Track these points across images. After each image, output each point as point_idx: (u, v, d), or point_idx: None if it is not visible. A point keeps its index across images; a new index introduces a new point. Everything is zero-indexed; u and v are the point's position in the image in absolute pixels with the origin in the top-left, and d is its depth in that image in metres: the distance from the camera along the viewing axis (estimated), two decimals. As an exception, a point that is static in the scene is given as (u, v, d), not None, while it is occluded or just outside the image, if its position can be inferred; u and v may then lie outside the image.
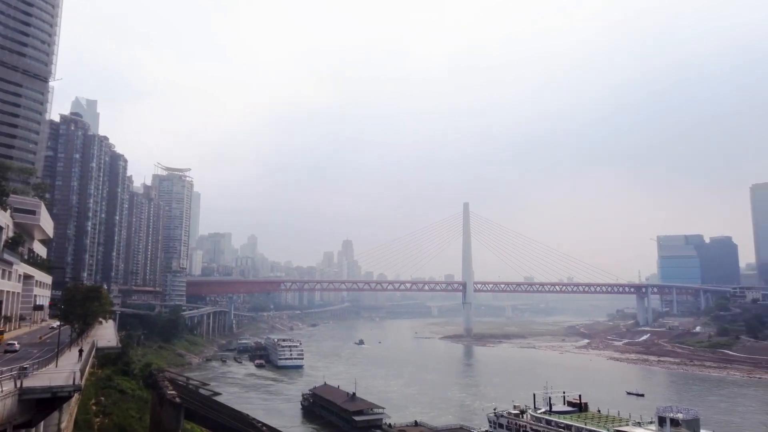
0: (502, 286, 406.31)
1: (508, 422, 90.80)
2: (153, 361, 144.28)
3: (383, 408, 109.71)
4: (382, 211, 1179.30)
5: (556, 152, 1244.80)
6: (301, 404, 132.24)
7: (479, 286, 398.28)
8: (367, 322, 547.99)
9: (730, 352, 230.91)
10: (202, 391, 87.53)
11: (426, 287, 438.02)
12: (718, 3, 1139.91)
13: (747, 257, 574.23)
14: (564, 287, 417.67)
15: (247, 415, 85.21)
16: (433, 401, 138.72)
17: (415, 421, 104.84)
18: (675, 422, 72.31)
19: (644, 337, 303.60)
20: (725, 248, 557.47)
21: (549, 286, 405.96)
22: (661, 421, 73.01)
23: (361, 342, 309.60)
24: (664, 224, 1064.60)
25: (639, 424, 77.82)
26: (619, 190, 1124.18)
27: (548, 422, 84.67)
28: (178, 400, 70.07)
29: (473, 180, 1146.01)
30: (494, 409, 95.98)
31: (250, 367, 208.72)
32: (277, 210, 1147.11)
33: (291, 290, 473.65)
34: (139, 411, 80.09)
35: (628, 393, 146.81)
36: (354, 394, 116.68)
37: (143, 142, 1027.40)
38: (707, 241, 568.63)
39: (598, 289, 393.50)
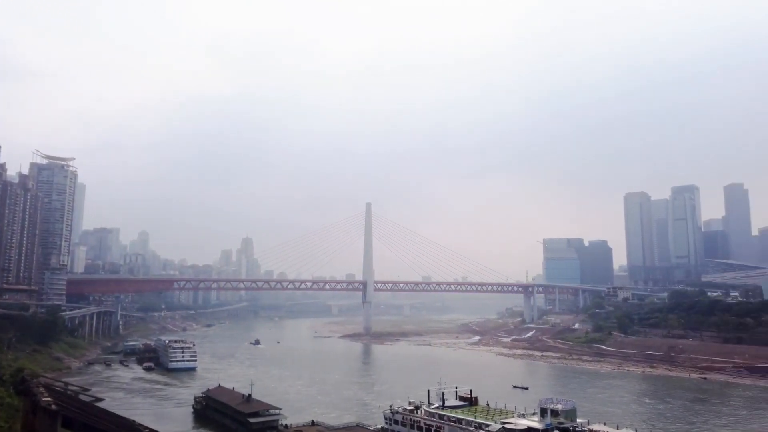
0: (401, 285, 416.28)
1: (403, 418, 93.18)
2: (26, 366, 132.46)
3: (279, 409, 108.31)
4: (285, 209, 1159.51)
5: (458, 156, 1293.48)
6: (193, 408, 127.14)
7: (379, 285, 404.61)
8: (265, 321, 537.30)
9: (604, 347, 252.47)
10: (82, 397, 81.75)
11: (327, 286, 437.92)
12: (616, 9, 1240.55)
13: (620, 260, 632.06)
14: (459, 286, 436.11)
15: (134, 421, 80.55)
16: (333, 401, 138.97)
17: (312, 421, 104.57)
18: (555, 413, 78.06)
19: (530, 334, 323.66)
20: (601, 251, 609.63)
21: (445, 286, 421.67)
22: (543, 412, 78.47)
23: (257, 342, 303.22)
24: (551, 228, 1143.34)
25: (523, 416, 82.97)
26: (512, 195, 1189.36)
27: (441, 417, 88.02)
28: (54, 407, 64.73)
29: (379, 180, 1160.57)
30: (390, 406, 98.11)
31: (137, 371, 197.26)
32: (171, 205, 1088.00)
33: (185, 289, 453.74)
34: (8, 420, 73.26)
35: (514, 387, 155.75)
36: (249, 395, 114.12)
37: (23, 127, 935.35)
38: (586, 244, 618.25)
39: (489, 288, 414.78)
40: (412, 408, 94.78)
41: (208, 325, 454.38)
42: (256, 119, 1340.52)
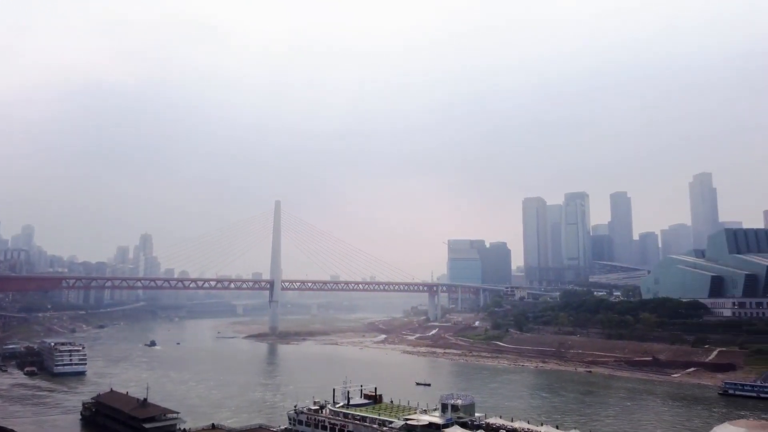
0: (310, 284, 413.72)
1: (307, 418, 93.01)
2: None
3: (178, 413, 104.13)
4: (190, 205, 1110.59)
5: (368, 156, 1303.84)
6: (82, 414, 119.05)
7: (287, 284, 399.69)
8: (165, 322, 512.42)
9: (501, 344, 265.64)
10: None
11: (232, 285, 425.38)
12: (526, 20, 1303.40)
13: (518, 260, 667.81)
14: (367, 286, 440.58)
15: (12, 430, 74.30)
16: (239, 404, 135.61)
17: (212, 424, 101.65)
18: (455, 408, 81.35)
19: (433, 332, 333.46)
20: (501, 252, 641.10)
21: (353, 285, 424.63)
22: (444, 407, 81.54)
23: (153, 343, 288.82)
24: (456, 229, 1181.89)
25: (425, 412, 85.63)
26: (419, 196, 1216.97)
27: (345, 415, 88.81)
28: None
29: (289, 178, 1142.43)
30: (295, 406, 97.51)
31: (18, 376, 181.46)
32: (61, 199, 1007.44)
33: (75, 288, 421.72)
34: None
35: (418, 383, 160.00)
36: (145, 399, 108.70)
37: None
38: (488, 246, 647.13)
39: (396, 287, 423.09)
40: (317, 408, 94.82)
41: (101, 327, 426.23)
42: (159, 111, 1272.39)
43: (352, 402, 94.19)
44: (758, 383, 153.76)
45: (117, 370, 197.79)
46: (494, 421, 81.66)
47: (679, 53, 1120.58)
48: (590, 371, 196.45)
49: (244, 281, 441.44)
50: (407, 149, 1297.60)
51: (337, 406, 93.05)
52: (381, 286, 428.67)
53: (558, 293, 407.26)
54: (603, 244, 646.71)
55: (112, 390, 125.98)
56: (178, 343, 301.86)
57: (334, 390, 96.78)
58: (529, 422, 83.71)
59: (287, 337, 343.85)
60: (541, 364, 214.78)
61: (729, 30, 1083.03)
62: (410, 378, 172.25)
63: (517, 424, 79.55)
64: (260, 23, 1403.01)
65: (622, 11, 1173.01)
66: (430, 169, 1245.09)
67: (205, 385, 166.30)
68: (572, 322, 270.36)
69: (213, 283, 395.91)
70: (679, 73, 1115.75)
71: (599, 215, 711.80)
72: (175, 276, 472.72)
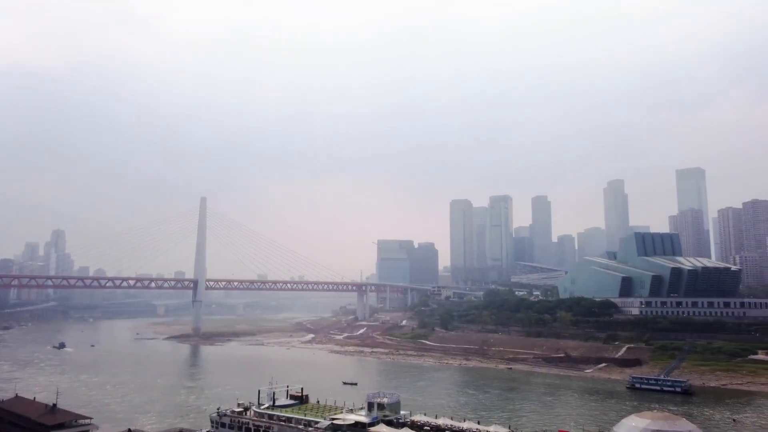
0: (236, 283, 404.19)
1: (231, 420, 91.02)
2: None
3: (90, 418, 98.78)
4: (108, 197, 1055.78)
5: (299, 155, 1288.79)
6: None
7: (212, 283, 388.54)
8: (77, 323, 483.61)
9: (427, 342, 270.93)
10: None
11: (153, 284, 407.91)
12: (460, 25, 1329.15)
13: (445, 261, 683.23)
14: (295, 285, 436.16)
15: None
16: (161, 408, 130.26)
17: (129, 429, 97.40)
18: (381, 406, 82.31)
19: (361, 331, 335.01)
20: (429, 253, 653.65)
21: (281, 284, 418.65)
22: (370, 406, 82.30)
23: (62, 345, 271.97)
24: (385, 229, 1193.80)
25: (352, 411, 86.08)
26: (350, 196, 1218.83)
27: (270, 417, 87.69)
28: None
29: (217, 176, 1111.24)
30: (218, 409, 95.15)
31: None
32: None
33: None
34: None
35: (345, 383, 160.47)
36: (54, 405, 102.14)
37: None
38: (416, 246, 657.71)
39: (325, 287, 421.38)
40: (241, 410, 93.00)
41: (5, 328, 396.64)
42: (75, 102, 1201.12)
43: (277, 403, 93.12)
44: (661, 377, 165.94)
45: (23, 374, 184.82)
46: (419, 418, 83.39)
47: (601, 64, 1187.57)
48: (511, 368, 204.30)
49: (165, 280, 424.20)
50: (339, 150, 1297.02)
51: (262, 407, 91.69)
52: (310, 286, 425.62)
53: (482, 293, 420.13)
54: (524, 246, 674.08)
55: (17, 396, 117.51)
56: (93, 345, 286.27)
57: (259, 391, 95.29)
58: (452, 419, 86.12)
59: (211, 338, 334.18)
60: (464, 362, 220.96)
61: (647, 48, 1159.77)
62: (337, 377, 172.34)
63: (441, 421, 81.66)
64: (192, 15, 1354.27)
65: (549, 24, 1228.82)
66: (360, 171, 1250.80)
67: (123, 389, 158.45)
68: (495, 321, 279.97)
69: (132, 282, 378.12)
70: (600, 84, 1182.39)
71: (521, 218, 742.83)
72: (90, 274, 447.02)
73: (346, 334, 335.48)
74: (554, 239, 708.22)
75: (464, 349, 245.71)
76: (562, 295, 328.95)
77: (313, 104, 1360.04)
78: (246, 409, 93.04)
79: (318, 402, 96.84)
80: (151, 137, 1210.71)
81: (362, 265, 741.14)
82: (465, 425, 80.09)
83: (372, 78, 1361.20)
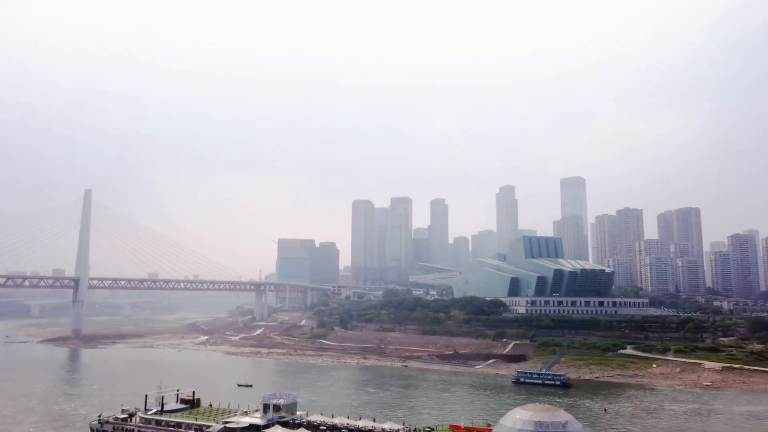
0: (123, 282, 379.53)
1: (114, 428, 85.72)
2: None
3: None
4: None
5: (196, 150, 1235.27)
6: None
7: (96, 282, 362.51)
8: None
9: (326, 341, 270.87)
10: None
11: (27, 283, 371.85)
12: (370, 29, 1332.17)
13: (346, 260, 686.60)
14: (189, 284, 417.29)
15: None
16: (37, 418, 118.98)
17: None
18: (277, 407, 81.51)
19: (259, 331, 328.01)
20: (330, 252, 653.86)
21: (174, 283, 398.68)
22: (266, 407, 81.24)
23: None
24: (286, 228, 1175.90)
25: (246, 413, 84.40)
26: (251, 194, 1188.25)
27: (158, 422, 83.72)
28: None
29: (106, 165, 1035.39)
30: (99, 416, 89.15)
31: None
32: None
33: None
34: None
35: (239, 385, 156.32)
36: None
37: None
38: (318, 245, 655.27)
39: (222, 286, 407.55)
40: (126, 416, 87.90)
41: None
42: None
43: (166, 408, 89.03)
44: (543, 371, 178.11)
45: None
46: (315, 418, 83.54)
47: (498, 73, 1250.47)
48: (406, 365, 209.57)
49: (42, 278, 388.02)
50: (239, 148, 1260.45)
51: (150, 413, 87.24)
52: (205, 285, 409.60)
53: (381, 292, 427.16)
54: (423, 247, 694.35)
55: None
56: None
57: (146, 396, 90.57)
58: (348, 417, 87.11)
59: (93, 340, 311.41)
60: (362, 360, 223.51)
61: (543, 58, 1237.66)
62: (232, 380, 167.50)
63: (337, 420, 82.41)
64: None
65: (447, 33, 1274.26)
66: (262, 169, 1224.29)
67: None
68: (392, 320, 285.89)
69: (2, 281, 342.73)
70: (496, 91, 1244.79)
71: (420, 219, 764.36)
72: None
73: (242, 335, 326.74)
74: (451, 241, 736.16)
75: (362, 348, 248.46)
76: (457, 295, 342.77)
77: (216, 100, 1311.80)
78: (131, 415, 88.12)
79: (211, 405, 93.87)
80: (35, 129, 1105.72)
81: (262, 265, 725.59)
82: (361, 423, 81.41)
83: (275, 76, 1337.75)
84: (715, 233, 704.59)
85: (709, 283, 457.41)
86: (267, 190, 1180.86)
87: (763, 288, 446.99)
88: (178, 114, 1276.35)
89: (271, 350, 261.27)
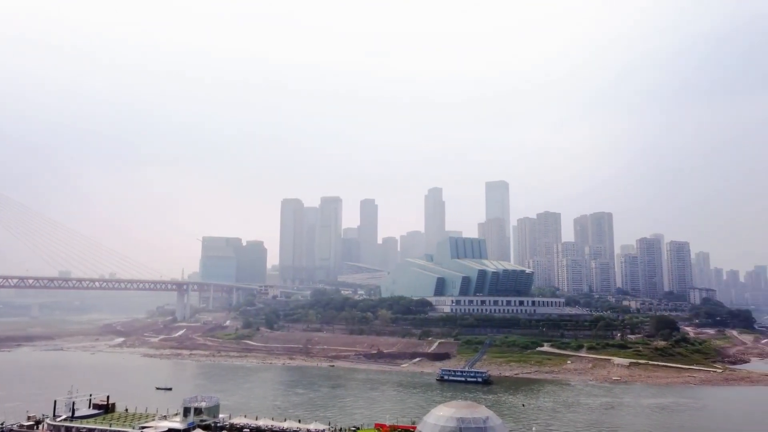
0: (31, 281, 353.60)
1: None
2: None
3: None
4: None
5: (114, 144, 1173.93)
6: None
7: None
8: None
9: (251, 342, 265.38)
10: None
11: None
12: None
13: (274, 259, 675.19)
14: (105, 284, 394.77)
15: None
16: None
17: None
18: (198, 411, 79.07)
19: (180, 333, 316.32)
20: (258, 251, 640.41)
21: (88, 282, 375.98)
22: (186, 411, 78.59)
23: None
24: (212, 226, 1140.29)
25: (165, 417, 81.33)
26: (174, 191, 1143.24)
27: (68, 429, 79.09)
28: None
29: (12, 159, 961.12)
30: (2, 424, 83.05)
31: None
32: None
33: None
34: None
35: (158, 388, 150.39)
36: None
37: None
38: (245, 244, 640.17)
39: (141, 285, 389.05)
40: (32, 423, 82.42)
41: None
42: None
43: (78, 413, 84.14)
44: (466, 369, 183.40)
45: None
46: (238, 420, 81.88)
47: (428, 87, 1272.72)
48: (333, 365, 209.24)
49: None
50: (163, 142, 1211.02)
51: (59, 419, 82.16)
52: (122, 285, 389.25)
53: (309, 292, 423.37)
54: (352, 246, 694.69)
55: None
56: None
57: (55, 402, 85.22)
58: (273, 419, 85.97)
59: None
60: (288, 361, 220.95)
61: (469, 74, 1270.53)
62: (150, 383, 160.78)
63: (261, 422, 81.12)
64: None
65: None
66: (186, 165, 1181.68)
67: None
68: (320, 320, 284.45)
69: None
70: (426, 95, 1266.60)
71: (350, 219, 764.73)
72: None
73: (162, 336, 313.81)
74: (380, 241, 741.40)
75: (289, 349, 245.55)
76: (384, 295, 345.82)
77: (142, 93, 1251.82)
78: (38, 422, 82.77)
79: (126, 410, 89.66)
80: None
81: (186, 263, 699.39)
82: (285, 425, 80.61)
83: (208, 73, 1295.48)
84: (625, 237, 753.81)
85: (619, 283, 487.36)
86: (193, 187, 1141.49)
87: (666, 288, 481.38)
88: (101, 106, 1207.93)
89: (193, 352, 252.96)
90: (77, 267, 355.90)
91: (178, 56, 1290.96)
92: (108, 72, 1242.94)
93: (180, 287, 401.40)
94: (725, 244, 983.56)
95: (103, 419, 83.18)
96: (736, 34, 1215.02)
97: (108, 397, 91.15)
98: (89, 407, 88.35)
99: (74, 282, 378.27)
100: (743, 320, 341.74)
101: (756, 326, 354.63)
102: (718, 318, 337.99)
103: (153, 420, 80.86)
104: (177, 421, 77.91)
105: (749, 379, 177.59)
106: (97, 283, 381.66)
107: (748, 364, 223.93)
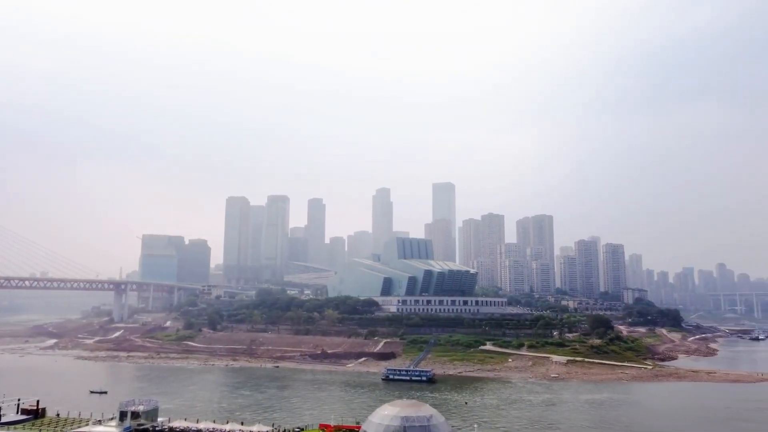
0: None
1: (-64, 447, 75.19)
2: None
3: None
4: None
5: (54, 138, 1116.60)
6: None
7: None
8: None
9: (193, 343, 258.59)
10: None
11: None
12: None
13: (218, 259, 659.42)
14: (36, 283, 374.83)
15: None
16: None
17: None
18: (136, 414, 76.42)
19: (117, 334, 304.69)
20: (201, 250, 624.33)
21: (16, 282, 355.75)
22: (123, 415, 75.80)
23: None
24: (152, 224, 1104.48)
25: (100, 422, 78.31)
26: (111, 188, 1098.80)
27: (-6, 437, 74.91)
28: None
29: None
30: None
31: None
32: None
33: None
34: None
35: (92, 392, 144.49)
36: None
37: None
38: (187, 242, 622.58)
39: (76, 285, 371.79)
40: (-47, 432, 77.51)
41: None
42: None
43: (4, 420, 79.73)
44: (410, 368, 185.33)
45: None
46: (178, 424, 79.80)
47: (378, 86, 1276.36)
48: (278, 366, 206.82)
49: None
50: (101, 136, 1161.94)
51: (-17, 427, 77.72)
52: (55, 284, 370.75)
53: (254, 292, 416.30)
54: (299, 246, 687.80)
55: None
56: None
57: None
58: (215, 421, 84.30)
59: None
60: (231, 362, 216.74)
61: (419, 76, 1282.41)
62: (84, 386, 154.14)
63: (202, 425, 79.39)
64: None
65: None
66: (126, 161, 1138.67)
67: None
68: (265, 320, 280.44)
69: None
70: (377, 96, 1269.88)
71: (298, 218, 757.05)
72: None
73: (98, 338, 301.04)
74: (327, 241, 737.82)
75: (232, 350, 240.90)
76: (331, 294, 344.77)
77: (78, 84, 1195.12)
78: (-41, 431, 77.85)
79: (58, 415, 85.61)
80: None
81: (124, 262, 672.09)
82: (227, 427, 79.26)
83: (149, 62, 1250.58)
84: (566, 240, 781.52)
85: (558, 284, 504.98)
86: (134, 185, 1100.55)
87: (602, 289, 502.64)
88: (32, 98, 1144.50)
89: (131, 354, 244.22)
90: (4, 265, 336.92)
91: (116, 48, 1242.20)
92: (44, 64, 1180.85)
93: (118, 287, 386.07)
94: (657, 247, 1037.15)
95: (32, 425, 79.13)
96: (677, 46, 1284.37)
97: (38, 401, 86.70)
98: (17, 413, 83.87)
99: (2, 281, 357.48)
100: (672, 319, 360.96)
101: (683, 325, 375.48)
102: (649, 317, 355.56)
103: (87, 425, 77.67)
104: (113, 426, 75.21)
105: (677, 374, 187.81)
106: (26, 282, 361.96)
107: (675, 360, 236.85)
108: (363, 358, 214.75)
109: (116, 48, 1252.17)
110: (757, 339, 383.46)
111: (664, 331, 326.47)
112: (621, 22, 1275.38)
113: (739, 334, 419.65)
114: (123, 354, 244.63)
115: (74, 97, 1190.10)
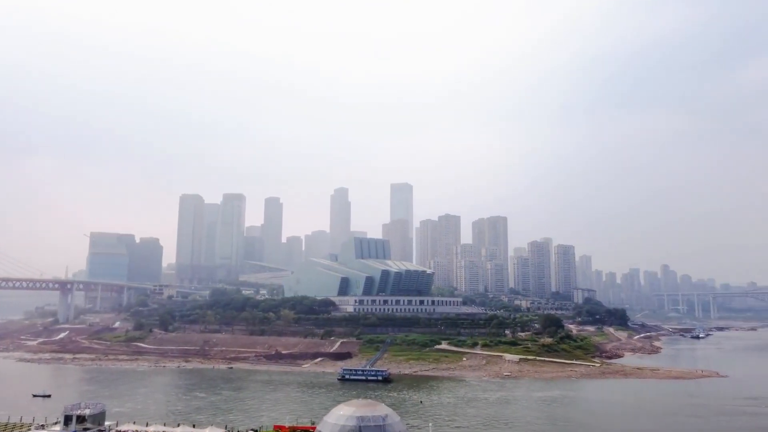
0: None
1: None
2: None
3: None
4: None
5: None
6: None
7: None
8: None
9: (143, 345, 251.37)
10: None
11: None
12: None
13: (170, 258, 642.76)
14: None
15: None
16: None
17: None
18: (81, 418, 74.00)
19: (62, 335, 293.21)
20: (153, 249, 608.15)
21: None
22: (68, 419, 73.35)
23: None
24: (101, 221, 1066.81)
25: (43, 427, 75.57)
26: (57, 183, 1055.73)
27: (-73, 445, 71.14)
28: None
29: None
30: None
31: None
32: None
33: None
34: None
35: (35, 395, 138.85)
36: None
37: None
38: (138, 241, 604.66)
39: (17, 284, 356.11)
40: None
41: None
42: None
43: (-62, 427, 75.96)
44: (366, 368, 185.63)
45: None
46: (126, 428, 77.85)
47: (338, 85, 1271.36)
48: (232, 367, 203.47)
49: None
50: (47, 129, 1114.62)
51: None
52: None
53: (208, 292, 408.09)
54: (255, 245, 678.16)
55: None
56: None
57: None
58: (165, 424, 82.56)
59: None
60: (184, 364, 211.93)
61: (380, 77, 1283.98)
62: (27, 389, 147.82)
63: (152, 428, 77.65)
64: None
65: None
66: (72, 155, 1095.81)
67: None
68: (219, 320, 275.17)
69: None
70: (336, 96, 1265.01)
71: (254, 217, 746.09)
72: None
73: (41, 339, 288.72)
74: (284, 240, 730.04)
75: (184, 351, 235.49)
76: (288, 294, 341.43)
77: (25, 77, 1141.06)
78: None
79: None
80: None
81: (70, 261, 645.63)
82: (179, 430, 77.75)
83: (102, 51, 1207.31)
84: (520, 240, 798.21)
85: (512, 284, 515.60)
86: (82, 181, 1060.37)
87: (554, 289, 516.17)
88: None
89: (77, 356, 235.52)
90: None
91: (67, 44, 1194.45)
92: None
93: (63, 286, 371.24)
94: (605, 248, 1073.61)
95: (-31, 432, 75.71)
96: (634, 57, 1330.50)
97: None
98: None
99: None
100: (619, 318, 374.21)
101: (630, 324, 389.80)
102: (598, 316, 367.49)
103: (29, 430, 74.86)
104: (57, 430, 72.63)
105: (623, 372, 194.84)
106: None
107: (622, 358, 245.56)
108: (319, 359, 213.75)
109: (65, 53, 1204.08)
110: (697, 337, 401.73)
111: (611, 329, 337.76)
112: (581, 33, 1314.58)
113: (681, 333, 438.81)
114: (68, 356, 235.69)
115: (26, 87, 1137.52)
